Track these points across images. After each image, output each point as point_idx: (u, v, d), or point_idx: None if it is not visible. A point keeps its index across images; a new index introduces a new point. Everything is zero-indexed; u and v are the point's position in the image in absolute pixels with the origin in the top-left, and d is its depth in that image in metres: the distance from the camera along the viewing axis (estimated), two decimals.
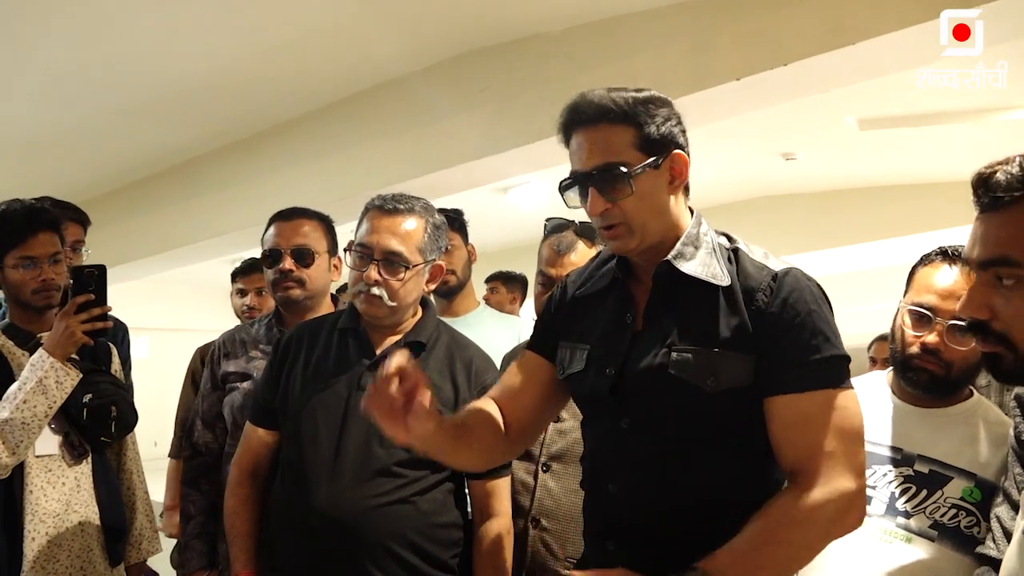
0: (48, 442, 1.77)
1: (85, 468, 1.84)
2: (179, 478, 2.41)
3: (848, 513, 1.07)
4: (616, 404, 1.17)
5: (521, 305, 4.15)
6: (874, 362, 4.14)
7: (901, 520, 1.35)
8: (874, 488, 1.38)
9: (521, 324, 2.36)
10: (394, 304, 1.56)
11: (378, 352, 1.59)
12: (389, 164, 3.90)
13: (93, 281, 1.76)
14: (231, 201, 4.78)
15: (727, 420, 1.13)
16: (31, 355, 1.74)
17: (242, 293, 2.84)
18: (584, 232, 1.85)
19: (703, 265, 1.16)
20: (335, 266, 1.97)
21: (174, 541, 2.34)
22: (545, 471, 1.72)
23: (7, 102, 3.94)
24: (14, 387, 1.69)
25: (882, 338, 4.08)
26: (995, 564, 1.17)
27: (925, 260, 1.47)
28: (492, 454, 1.28)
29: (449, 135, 3.64)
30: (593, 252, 1.60)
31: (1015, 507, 1.20)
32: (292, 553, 1.52)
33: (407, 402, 1.03)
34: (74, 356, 1.77)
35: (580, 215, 1.35)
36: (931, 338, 1.38)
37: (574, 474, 1.60)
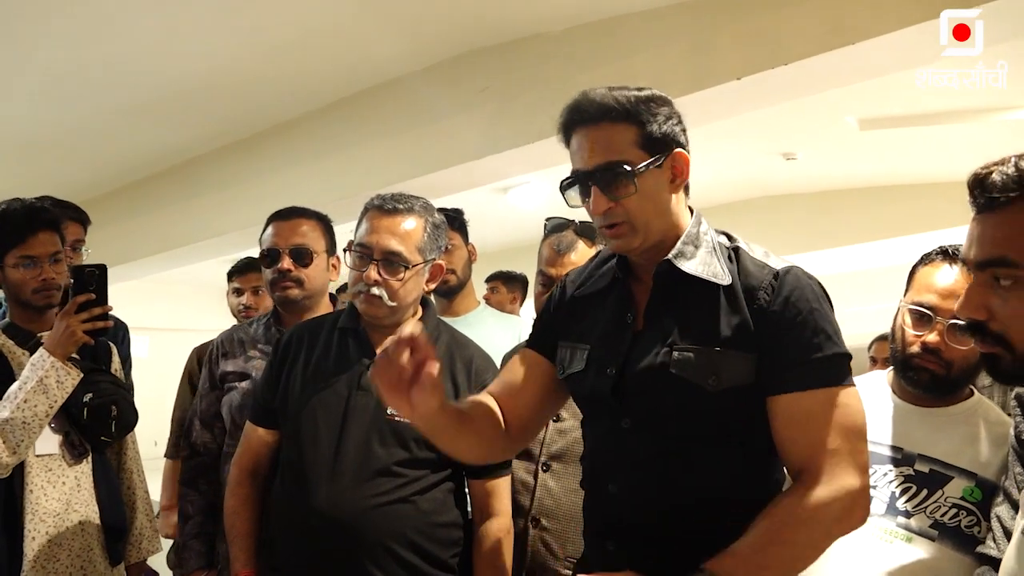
0: (48, 441, 1.77)
1: (85, 467, 1.84)
2: (175, 478, 2.41)
3: (853, 511, 1.07)
4: (617, 404, 1.17)
5: (521, 305, 4.15)
6: (874, 362, 4.14)
7: (901, 520, 1.35)
8: (874, 488, 1.38)
9: (521, 324, 2.35)
10: (394, 304, 1.56)
11: (378, 352, 1.59)
12: (389, 164, 3.90)
13: (94, 280, 1.76)
14: (231, 201, 4.78)
15: (728, 419, 1.13)
16: (31, 354, 1.74)
17: (238, 292, 2.83)
18: (584, 232, 1.85)
19: (704, 264, 1.16)
20: (333, 266, 1.97)
21: (171, 541, 2.34)
22: (545, 471, 1.72)
23: (7, 102, 3.95)
24: (15, 386, 1.69)
25: (882, 338, 4.08)
26: (995, 564, 1.17)
27: (925, 259, 1.47)
28: (492, 447, 1.27)
29: (449, 135, 3.64)
30: (593, 252, 1.60)
31: (1015, 506, 1.20)
32: (292, 553, 1.52)
33: (415, 373, 1.02)
34: (74, 355, 1.77)
35: (580, 215, 1.35)
36: (932, 337, 1.38)
37: (574, 474, 1.60)
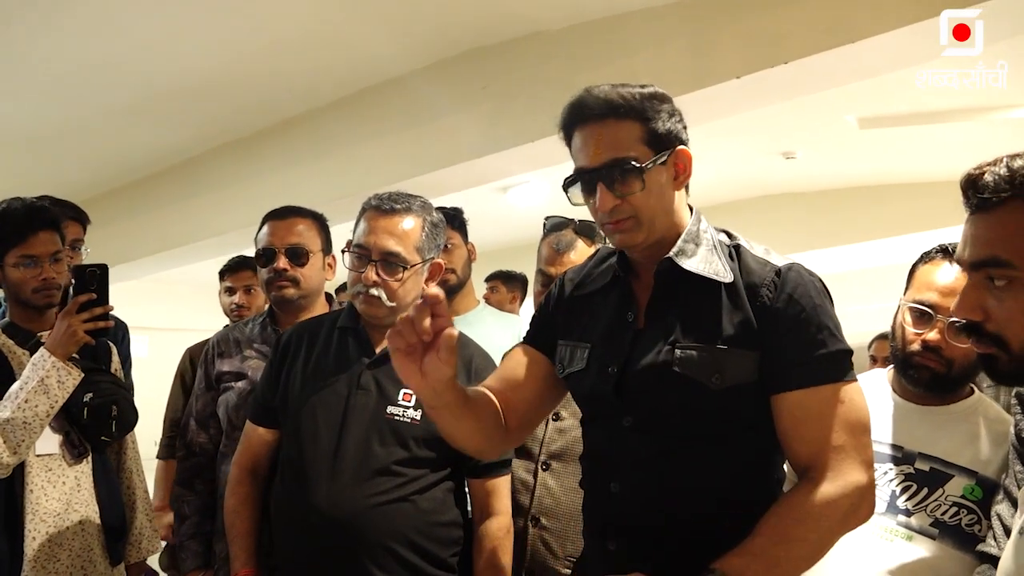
0: (48, 441, 1.77)
1: (85, 467, 1.84)
2: (168, 479, 2.41)
3: (860, 507, 1.07)
4: (618, 403, 1.17)
5: (521, 304, 4.16)
6: (875, 361, 4.14)
7: (902, 518, 1.35)
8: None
9: (521, 323, 2.35)
10: (393, 304, 1.55)
11: (378, 351, 1.59)
12: (389, 163, 3.90)
13: (95, 280, 1.76)
14: (230, 200, 4.78)
15: (730, 417, 1.13)
16: (32, 354, 1.74)
17: (230, 291, 2.83)
18: (583, 231, 1.85)
19: (705, 262, 1.16)
20: (329, 265, 1.97)
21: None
22: (545, 470, 1.72)
23: (6, 101, 3.94)
24: (15, 386, 1.69)
25: (882, 337, 4.09)
26: (996, 562, 1.17)
27: (925, 258, 1.47)
28: (491, 439, 1.25)
29: (449, 134, 3.64)
30: (592, 251, 1.60)
31: (1016, 504, 1.20)
32: (292, 551, 1.52)
33: (433, 339, 1.00)
34: (74, 355, 1.77)
35: (580, 213, 1.35)
36: (932, 335, 1.38)
37: (574, 473, 1.60)
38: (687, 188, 1.21)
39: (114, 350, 2.02)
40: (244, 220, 4.52)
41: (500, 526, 1.57)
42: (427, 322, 0.99)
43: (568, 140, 1.18)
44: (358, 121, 4.07)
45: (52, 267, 1.80)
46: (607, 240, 1.34)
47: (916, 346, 1.40)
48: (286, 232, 1.90)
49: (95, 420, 1.80)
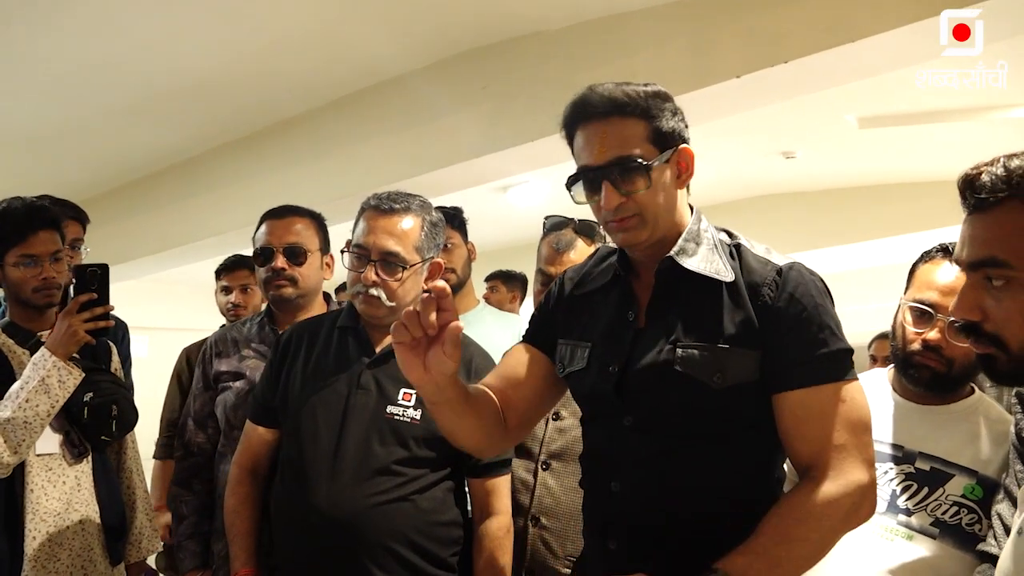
0: (49, 441, 1.77)
1: (85, 467, 1.84)
2: (165, 479, 2.41)
3: (862, 505, 1.08)
4: (619, 402, 1.17)
5: (521, 304, 4.16)
6: (875, 360, 4.15)
7: (902, 518, 1.35)
8: None
9: (521, 323, 2.35)
10: (393, 304, 1.55)
11: (377, 350, 1.59)
12: (388, 163, 3.90)
13: (96, 280, 1.76)
14: (230, 200, 4.77)
15: (731, 416, 1.13)
16: (32, 354, 1.74)
17: (227, 291, 2.82)
18: (583, 230, 1.85)
19: (705, 261, 1.16)
20: (327, 264, 1.97)
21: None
22: (545, 469, 1.72)
23: (6, 101, 3.94)
24: (16, 386, 1.69)
25: (883, 336, 4.09)
26: (996, 561, 1.17)
27: (926, 257, 1.47)
28: (491, 436, 1.24)
29: (449, 133, 3.64)
30: (592, 250, 1.60)
31: (1016, 504, 1.20)
32: (292, 551, 1.52)
33: (438, 334, 1.01)
34: (75, 355, 1.77)
35: (579, 213, 1.34)
36: (932, 335, 1.38)
37: (574, 472, 1.60)
38: (688, 187, 1.21)
39: (114, 350, 2.02)
40: (243, 220, 4.52)
41: (500, 526, 1.57)
42: (433, 316, 0.99)
43: (570, 138, 1.18)
44: (358, 121, 4.07)
45: (52, 266, 1.80)
46: (607, 239, 1.34)
47: (916, 345, 1.40)
48: (284, 231, 1.89)
49: (95, 420, 1.80)
